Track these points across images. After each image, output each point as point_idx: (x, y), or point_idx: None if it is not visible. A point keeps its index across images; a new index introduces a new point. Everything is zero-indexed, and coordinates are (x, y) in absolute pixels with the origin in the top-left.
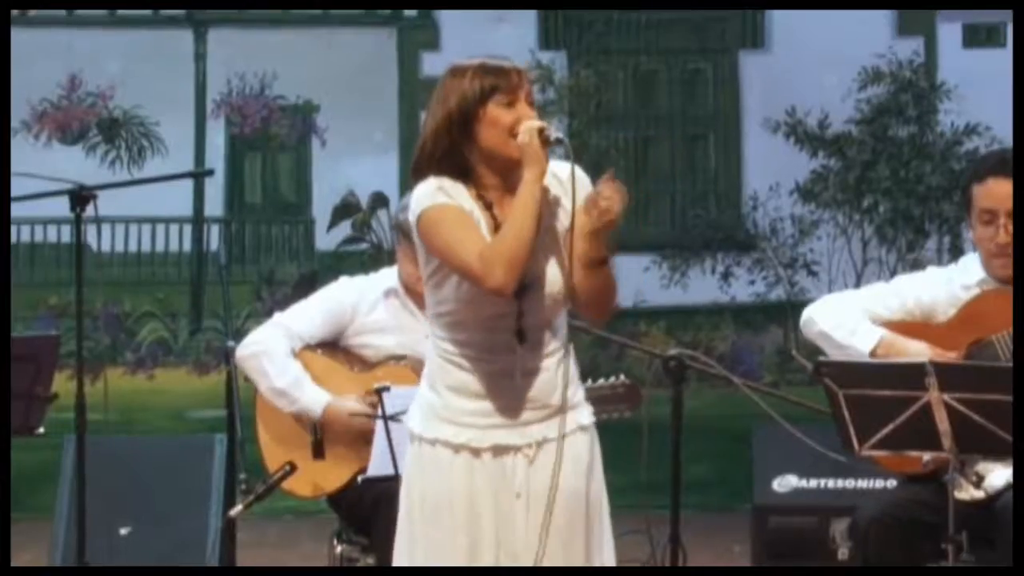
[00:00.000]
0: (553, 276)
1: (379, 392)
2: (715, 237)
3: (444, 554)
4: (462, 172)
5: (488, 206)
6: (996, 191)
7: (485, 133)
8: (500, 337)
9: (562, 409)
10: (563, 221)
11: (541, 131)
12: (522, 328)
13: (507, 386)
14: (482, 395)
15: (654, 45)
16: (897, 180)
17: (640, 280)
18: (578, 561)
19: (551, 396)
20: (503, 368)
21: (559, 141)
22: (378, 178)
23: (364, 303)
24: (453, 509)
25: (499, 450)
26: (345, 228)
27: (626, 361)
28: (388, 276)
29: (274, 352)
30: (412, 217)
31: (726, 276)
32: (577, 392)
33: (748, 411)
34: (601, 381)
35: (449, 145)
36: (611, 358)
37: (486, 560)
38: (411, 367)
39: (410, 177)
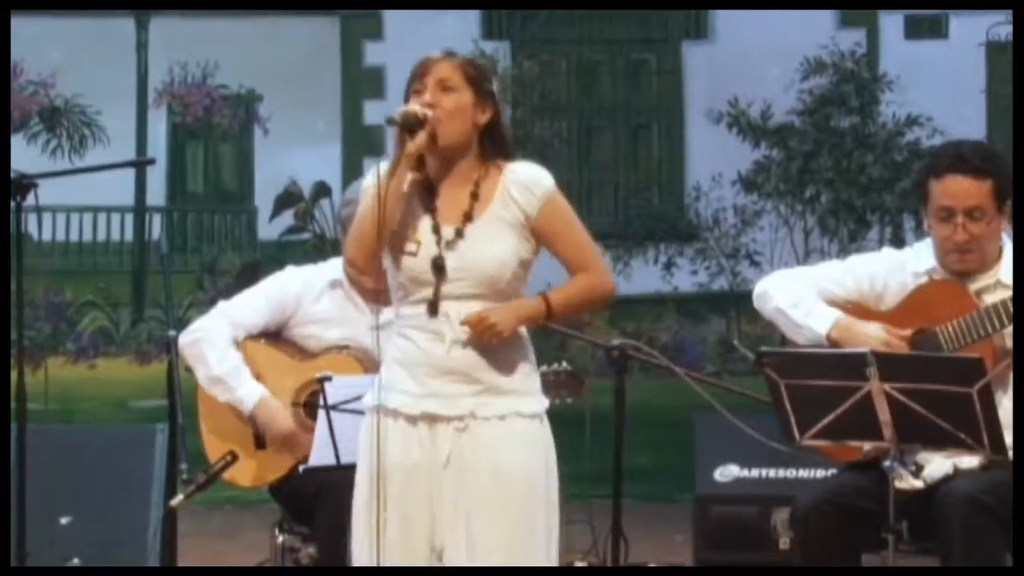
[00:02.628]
0: (483, 261)
1: (321, 381)
2: (658, 227)
3: (395, 518)
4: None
5: (427, 189)
6: (954, 189)
7: None
8: (424, 311)
9: (496, 389)
10: (515, 215)
11: (404, 115)
12: (435, 302)
13: (439, 356)
14: (417, 364)
15: (597, 35)
16: (839, 171)
17: None
18: (499, 542)
19: (484, 372)
20: (434, 339)
21: (390, 121)
22: (321, 167)
23: (309, 293)
24: (393, 473)
25: (430, 418)
26: (287, 218)
27: (569, 351)
28: (334, 267)
29: (215, 340)
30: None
31: (669, 266)
32: (523, 379)
33: (690, 401)
34: (543, 368)
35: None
36: (554, 347)
37: (417, 526)
38: (354, 357)
39: None
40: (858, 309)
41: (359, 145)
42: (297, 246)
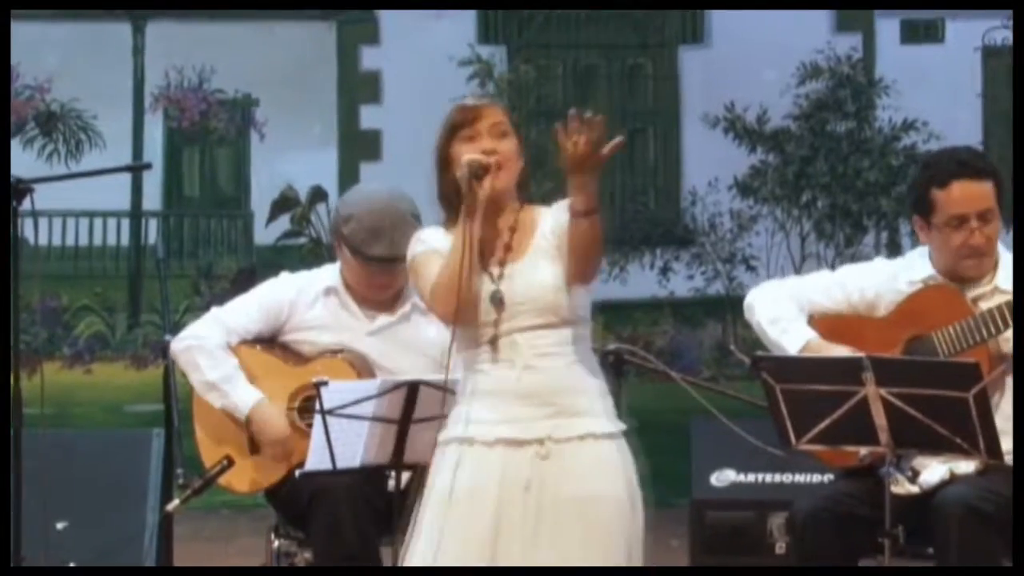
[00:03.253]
0: (537, 289)
1: (317, 386)
2: (654, 232)
3: (457, 539)
4: (452, 203)
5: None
6: (964, 195)
7: (453, 169)
8: (491, 346)
9: (570, 411)
10: (548, 239)
11: (470, 164)
12: (496, 336)
13: (511, 382)
14: (490, 393)
15: (594, 40)
16: (835, 175)
17: None
18: (584, 564)
19: (556, 395)
20: (505, 367)
21: (468, 164)
22: (317, 172)
23: (303, 300)
24: (463, 497)
25: (506, 443)
26: (284, 222)
27: None
28: (329, 273)
29: (208, 346)
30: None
31: (665, 271)
32: (595, 401)
33: (687, 406)
34: None
35: (437, 178)
36: None
37: (476, 551)
38: (348, 361)
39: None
40: (847, 320)
41: (355, 150)
42: (293, 250)
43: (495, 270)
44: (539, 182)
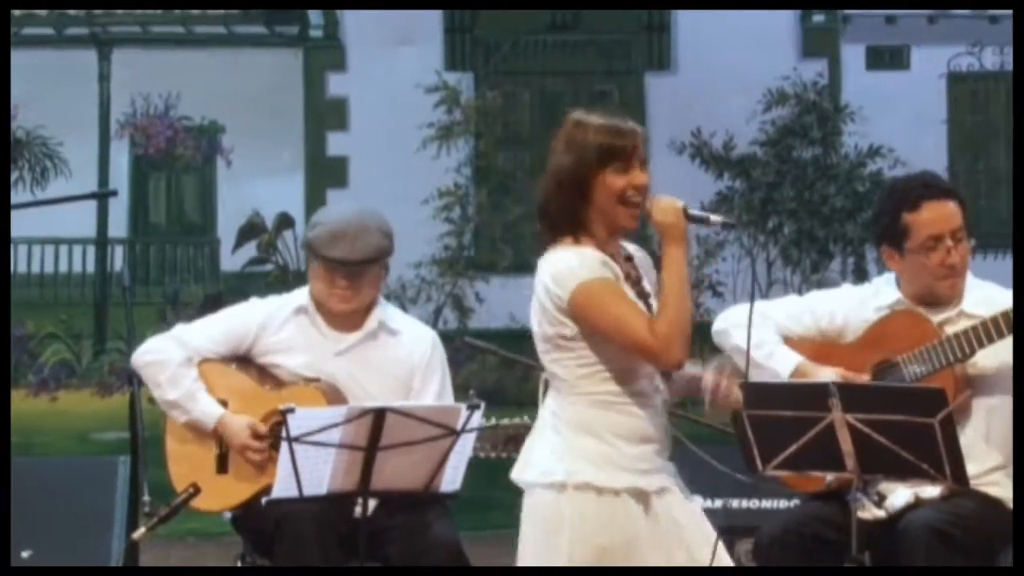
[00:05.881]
0: None
1: (284, 413)
2: None
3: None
4: (575, 226)
5: (634, 280)
6: (937, 215)
7: (599, 195)
8: (650, 382)
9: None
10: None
11: (686, 210)
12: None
13: (661, 426)
14: (648, 439)
15: (560, 66)
16: (802, 201)
17: None
18: None
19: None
20: (658, 409)
21: (702, 220)
22: (284, 199)
23: (272, 323)
24: (635, 552)
25: (664, 491)
26: (250, 249)
27: (532, 382)
28: (301, 293)
29: (167, 363)
30: (565, 287)
31: None
32: None
33: None
34: (503, 421)
35: (565, 199)
36: (518, 380)
37: None
38: (320, 390)
39: (538, 224)
40: (815, 346)
41: (322, 176)
42: (260, 277)
43: (652, 302)
44: (507, 209)
